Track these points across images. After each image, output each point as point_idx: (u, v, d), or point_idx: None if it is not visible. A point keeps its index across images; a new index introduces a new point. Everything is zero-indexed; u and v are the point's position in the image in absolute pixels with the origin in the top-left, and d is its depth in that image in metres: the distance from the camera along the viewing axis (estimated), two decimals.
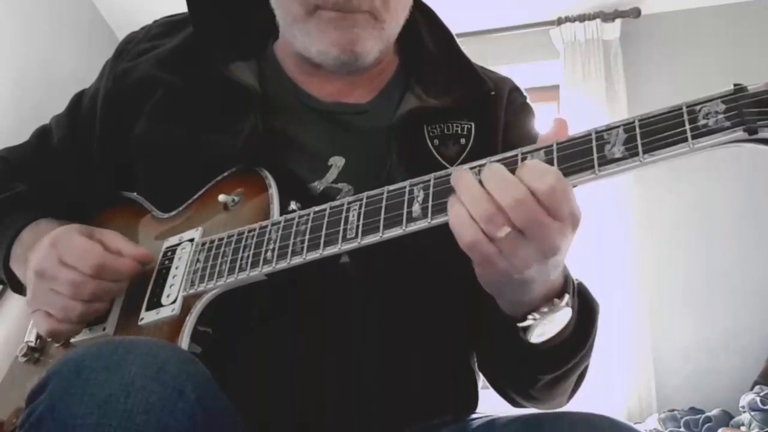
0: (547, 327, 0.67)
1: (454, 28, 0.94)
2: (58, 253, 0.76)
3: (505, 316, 0.70)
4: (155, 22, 0.99)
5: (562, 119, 0.65)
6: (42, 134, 1.01)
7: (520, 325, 0.67)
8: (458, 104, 0.86)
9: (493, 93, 0.89)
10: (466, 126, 0.86)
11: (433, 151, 0.84)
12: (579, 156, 0.60)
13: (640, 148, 0.57)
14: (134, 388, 0.56)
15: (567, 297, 0.67)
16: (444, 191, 0.65)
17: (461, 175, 0.62)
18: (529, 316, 0.67)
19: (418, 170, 0.69)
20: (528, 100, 0.96)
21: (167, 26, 0.96)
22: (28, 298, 0.80)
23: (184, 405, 0.57)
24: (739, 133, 0.54)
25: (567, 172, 0.60)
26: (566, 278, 0.69)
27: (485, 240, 0.60)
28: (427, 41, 0.92)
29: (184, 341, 0.72)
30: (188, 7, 0.90)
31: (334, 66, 0.84)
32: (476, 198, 0.60)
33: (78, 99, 1.00)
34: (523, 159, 0.63)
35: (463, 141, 0.85)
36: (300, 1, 0.81)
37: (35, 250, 0.80)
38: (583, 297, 0.75)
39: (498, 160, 0.65)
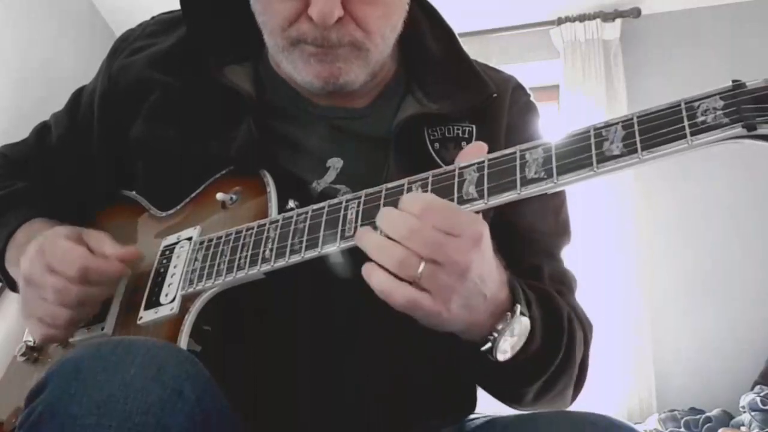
0: (509, 342, 0.67)
1: (454, 28, 0.93)
2: (45, 259, 0.76)
3: (465, 343, 0.69)
4: (152, 18, 0.99)
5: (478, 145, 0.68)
6: (41, 131, 1.01)
7: (483, 348, 0.67)
8: (459, 108, 0.85)
9: (495, 95, 0.87)
10: (467, 128, 0.85)
11: (434, 155, 0.83)
12: (578, 153, 0.60)
13: (638, 145, 0.57)
14: (133, 389, 0.56)
15: (518, 307, 0.66)
16: (443, 189, 0.65)
17: (362, 234, 0.65)
18: (489, 337, 0.66)
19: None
20: (532, 98, 0.94)
21: (163, 24, 0.95)
22: (21, 305, 0.80)
23: (184, 405, 0.57)
24: (738, 130, 0.54)
25: (566, 170, 0.60)
26: (513, 290, 0.68)
27: (415, 291, 0.61)
28: (429, 42, 0.91)
29: (183, 340, 0.72)
30: (182, 9, 0.90)
31: (320, 93, 0.83)
32: (383, 247, 0.62)
33: (77, 96, 1.00)
34: (522, 157, 0.63)
35: (464, 144, 0.84)
36: (281, 34, 0.79)
37: (24, 257, 0.80)
38: (545, 303, 0.75)
39: (497, 158, 0.65)
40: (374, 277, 0.62)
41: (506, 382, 0.76)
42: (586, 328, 0.84)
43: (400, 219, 0.61)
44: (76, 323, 0.78)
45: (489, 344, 0.66)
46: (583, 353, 0.83)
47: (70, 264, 0.75)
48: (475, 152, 0.67)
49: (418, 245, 0.60)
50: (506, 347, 0.67)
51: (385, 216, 0.63)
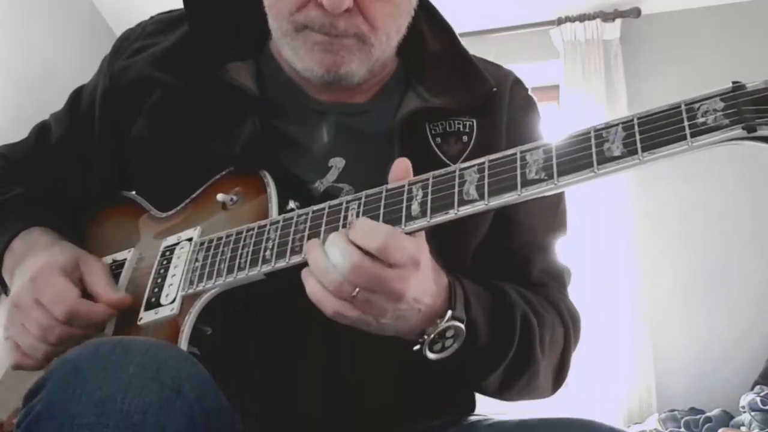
0: (439, 344, 0.69)
1: (455, 28, 0.94)
2: (36, 290, 0.76)
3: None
4: (152, 18, 0.99)
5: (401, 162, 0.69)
6: (41, 131, 1.00)
7: (415, 348, 0.69)
8: (460, 103, 0.86)
9: (495, 89, 0.88)
10: (467, 123, 0.86)
11: (436, 150, 0.83)
12: (578, 154, 0.60)
13: (639, 147, 0.57)
14: (132, 388, 0.56)
15: (450, 313, 0.68)
16: (443, 189, 0.65)
17: (310, 248, 0.67)
18: (420, 340, 0.69)
19: (421, 170, 0.69)
20: (530, 93, 0.95)
21: (164, 23, 0.96)
22: (4, 323, 0.80)
23: (183, 404, 0.57)
24: (738, 131, 0.54)
25: (566, 171, 0.60)
26: (454, 293, 0.70)
27: (345, 305, 0.64)
28: (428, 39, 0.91)
29: (184, 341, 0.72)
30: (185, 7, 0.90)
31: (320, 83, 0.83)
32: (325, 271, 0.64)
33: (76, 95, 1.00)
34: (522, 158, 0.63)
35: (465, 138, 0.85)
36: (288, 18, 0.80)
37: (17, 279, 0.80)
38: (498, 301, 0.77)
39: (498, 159, 0.65)
40: (308, 284, 0.66)
41: (459, 374, 0.79)
42: (568, 322, 0.86)
43: (347, 253, 0.62)
44: (52, 358, 0.77)
45: (417, 347, 0.69)
46: (563, 347, 0.85)
47: (58, 304, 0.75)
48: (401, 171, 0.69)
49: (358, 280, 0.62)
50: (438, 347, 0.69)
51: (333, 245, 0.64)
